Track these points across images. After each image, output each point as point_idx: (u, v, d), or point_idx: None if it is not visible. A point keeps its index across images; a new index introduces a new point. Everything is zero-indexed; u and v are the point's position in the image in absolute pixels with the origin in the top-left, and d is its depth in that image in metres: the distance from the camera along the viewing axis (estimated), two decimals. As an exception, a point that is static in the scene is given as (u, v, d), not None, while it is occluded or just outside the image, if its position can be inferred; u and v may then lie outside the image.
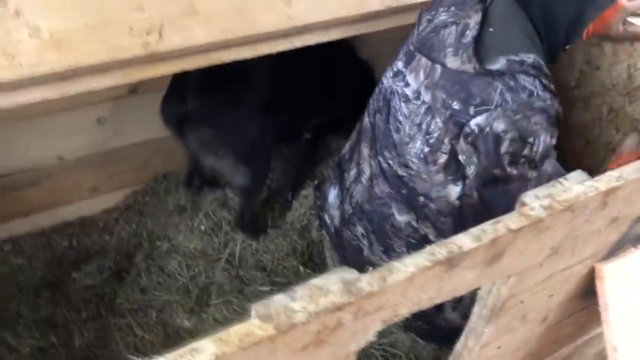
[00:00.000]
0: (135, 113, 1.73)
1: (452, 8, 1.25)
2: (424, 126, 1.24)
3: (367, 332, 0.81)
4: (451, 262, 0.80)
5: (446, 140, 1.21)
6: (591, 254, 1.14)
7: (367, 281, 0.73)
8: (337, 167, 1.59)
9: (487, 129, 1.13)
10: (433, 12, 1.29)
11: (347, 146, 1.58)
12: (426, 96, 1.23)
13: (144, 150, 1.86)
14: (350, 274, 0.76)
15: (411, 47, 1.32)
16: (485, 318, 1.10)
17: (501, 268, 0.92)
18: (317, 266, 1.67)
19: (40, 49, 0.94)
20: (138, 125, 1.78)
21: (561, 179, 0.99)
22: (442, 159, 1.23)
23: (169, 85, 1.55)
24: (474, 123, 1.15)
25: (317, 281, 0.76)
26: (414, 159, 1.27)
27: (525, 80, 1.14)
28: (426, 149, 1.24)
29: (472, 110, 1.15)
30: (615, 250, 1.18)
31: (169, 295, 1.62)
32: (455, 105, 1.18)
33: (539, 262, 1.00)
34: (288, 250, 1.69)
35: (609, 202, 1.00)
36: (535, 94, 1.14)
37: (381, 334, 1.49)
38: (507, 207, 0.92)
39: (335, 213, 1.53)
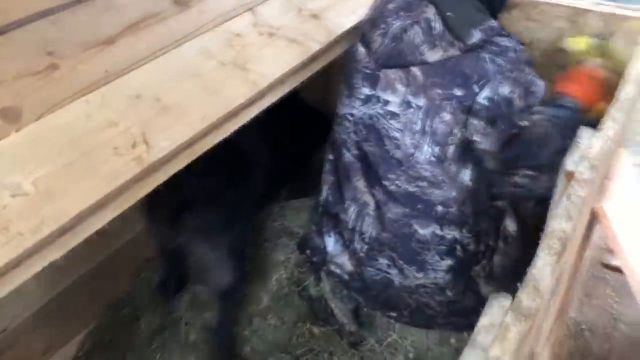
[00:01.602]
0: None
1: (401, 13, 1.29)
2: (427, 129, 1.24)
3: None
4: (564, 247, 0.81)
5: (455, 131, 1.22)
6: (592, 197, 1.22)
7: (527, 298, 0.71)
8: (324, 214, 1.51)
9: (496, 97, 1.18)
10: (382, 26, 1.31)
11: (324, 190, 1.51)
12: (419, 101, 1.24)
13: (88, 282, 1.62)
14: (502, 300, 0.74)
15: (368, 71, 1.33)
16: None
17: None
18: (327, 321, 1.58)
19: (33, 207, 0.76)
20: (74, 257, 1.54)
21: (576, 140, 1.06)
22: (451, 149, 1.24)
23: None
24: (482, 97, 1.18)
25: (483, 321, 0.73)
26: (425, 166, 1.26)
27: (503, 41, 1.22)
28: (436, 149, 1.25)
29: (476, 88, 1.19)
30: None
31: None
32: (458, 92, 1.20)
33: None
34: (293, 318, 1.57)
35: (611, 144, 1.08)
36: (517, 48, 1.22)
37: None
38: (538, 149, 1.02)
39: (343, 260, 1.45)
